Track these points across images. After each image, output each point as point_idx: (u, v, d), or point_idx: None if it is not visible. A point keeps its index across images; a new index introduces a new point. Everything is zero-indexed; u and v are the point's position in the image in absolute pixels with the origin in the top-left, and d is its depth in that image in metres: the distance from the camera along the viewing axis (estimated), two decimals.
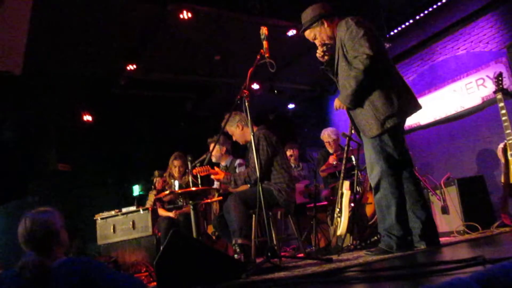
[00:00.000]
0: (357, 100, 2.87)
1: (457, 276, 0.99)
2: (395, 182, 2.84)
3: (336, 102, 3.05)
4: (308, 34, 3.12)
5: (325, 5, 3.09)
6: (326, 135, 5.54)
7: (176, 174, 5.04)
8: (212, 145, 4.39)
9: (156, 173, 5.52)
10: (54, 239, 2.09)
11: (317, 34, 3.08)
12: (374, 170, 2.91)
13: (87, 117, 6.73)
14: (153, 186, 5.41)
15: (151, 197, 5.37)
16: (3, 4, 3.64)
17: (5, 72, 4.41)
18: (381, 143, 2.85)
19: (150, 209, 5.19)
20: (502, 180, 3.93)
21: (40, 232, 2.05)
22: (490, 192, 4.29)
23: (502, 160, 3.95)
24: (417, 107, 2.95)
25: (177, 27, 5.32)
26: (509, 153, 3.89)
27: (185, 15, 4.95)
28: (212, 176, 4.00)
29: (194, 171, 3.84)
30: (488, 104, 5.43)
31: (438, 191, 4.29)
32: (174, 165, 5.05)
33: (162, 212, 5.05)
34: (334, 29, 3.00)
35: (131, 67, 6.00)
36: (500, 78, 4.07)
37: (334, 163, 5.11)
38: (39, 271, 1.74)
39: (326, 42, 3.06)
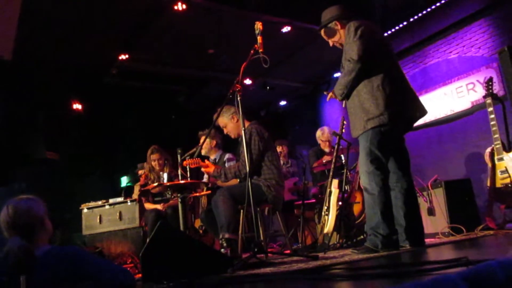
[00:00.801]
0: (346, 95, 3.02)
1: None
2: (381, 182, 2.88)
3: (331, 92, 3.23)
4: (323, 34, 3.24)
5: (341, 8, 3.17)
6: (327, 133, 5.55)
7: (157, 168, 5.00)
8: (203, 138, 4.37)
9: (145, 165, 5.47)
10: (38, 226, 2.06)
11: (330, 35, 3.20)
12: (363, 170, 2.95)
13: (77, 106, 6.66)
14: (140, 178, 5.37)
15: (137, 190, 5.32)
16: None
17: None
18: (370, 144, 2.89)
19: (137, 200, 5.16)
20: (488, 184, 3.97)
21: (23, 219, 2.02)
22: (476, 195, 4.34)
23: (489, 164, 3.99)
24: (418, 110, 3.00)
25: (171, 19, 5.29)
26: (496, 157, 3.93)
27: (180, 6, 4.92)
28: (203, 169, 3.98)
29: (184, 163, 3.81)
30: (477, 109, 5.48)
31: (425, 193, 4.32)
32: (153, 159, 5.00)
33: (148, 206, 5.01)
34: None
35: (123, 56, 5.95)
36: (490, 83, 4.11)
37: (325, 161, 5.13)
38: (25, 256, 1.71)
39: (337, 43, 3.19)
